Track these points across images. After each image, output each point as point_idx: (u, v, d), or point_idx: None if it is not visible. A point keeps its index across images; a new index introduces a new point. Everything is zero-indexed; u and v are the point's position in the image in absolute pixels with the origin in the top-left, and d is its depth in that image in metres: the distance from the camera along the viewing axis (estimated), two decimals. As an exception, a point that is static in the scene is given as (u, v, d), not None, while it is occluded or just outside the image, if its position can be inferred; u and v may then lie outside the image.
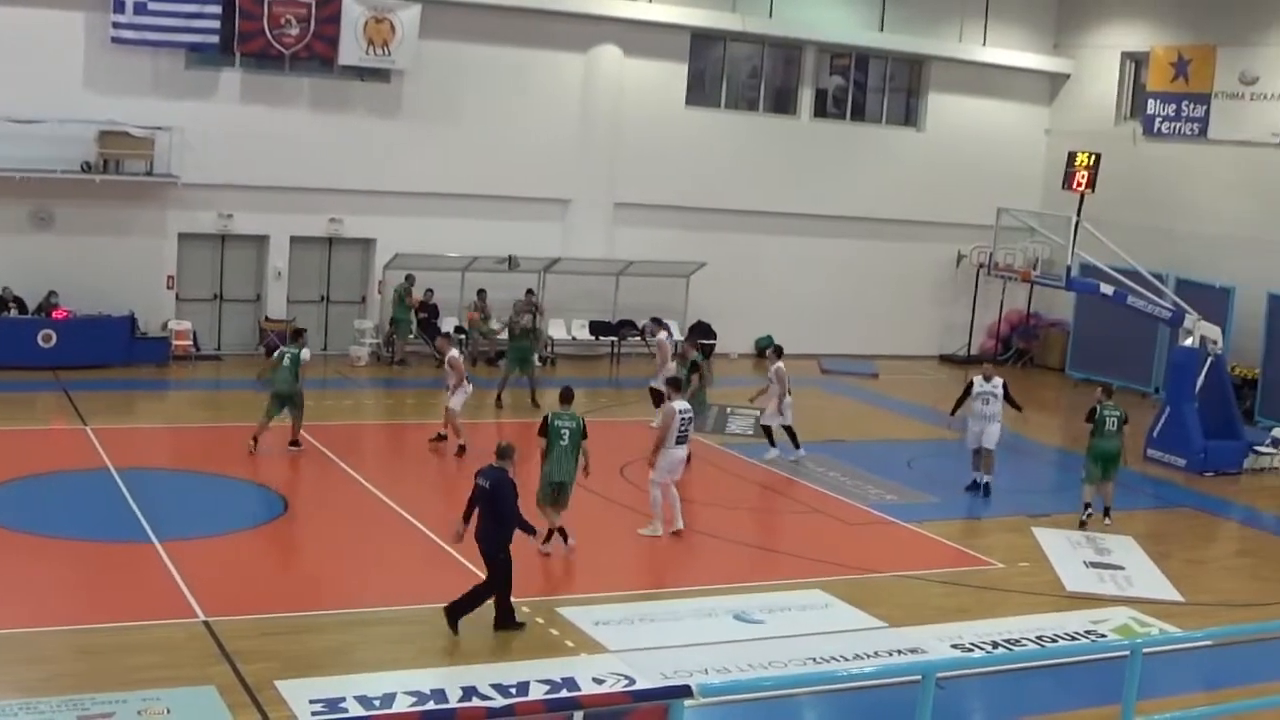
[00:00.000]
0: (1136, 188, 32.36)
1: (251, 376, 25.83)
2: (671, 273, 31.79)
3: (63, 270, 26.60)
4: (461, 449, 21.63)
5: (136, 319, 27.05)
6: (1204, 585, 17.96)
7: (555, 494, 16.94)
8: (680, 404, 18.44)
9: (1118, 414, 20.13)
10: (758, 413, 23.77)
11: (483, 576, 14.37)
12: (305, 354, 21.48)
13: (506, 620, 14.41)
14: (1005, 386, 21.89)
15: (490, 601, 14.30)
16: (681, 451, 18.40)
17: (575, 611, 14.96)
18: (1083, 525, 20.06)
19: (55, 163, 26.10)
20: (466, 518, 14.46)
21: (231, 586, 15.08)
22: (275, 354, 22.10)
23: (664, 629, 14.84)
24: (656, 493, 18.33)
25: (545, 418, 17.12)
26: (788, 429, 22.91)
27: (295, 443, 21.33)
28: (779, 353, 23.23)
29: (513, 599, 14.52)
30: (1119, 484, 22.49)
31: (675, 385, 19.06)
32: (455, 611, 14.17)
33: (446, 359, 22.58)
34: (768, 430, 23.11)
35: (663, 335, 25.23)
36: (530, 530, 14.78)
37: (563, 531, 16.93)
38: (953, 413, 22.50)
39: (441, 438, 22.32)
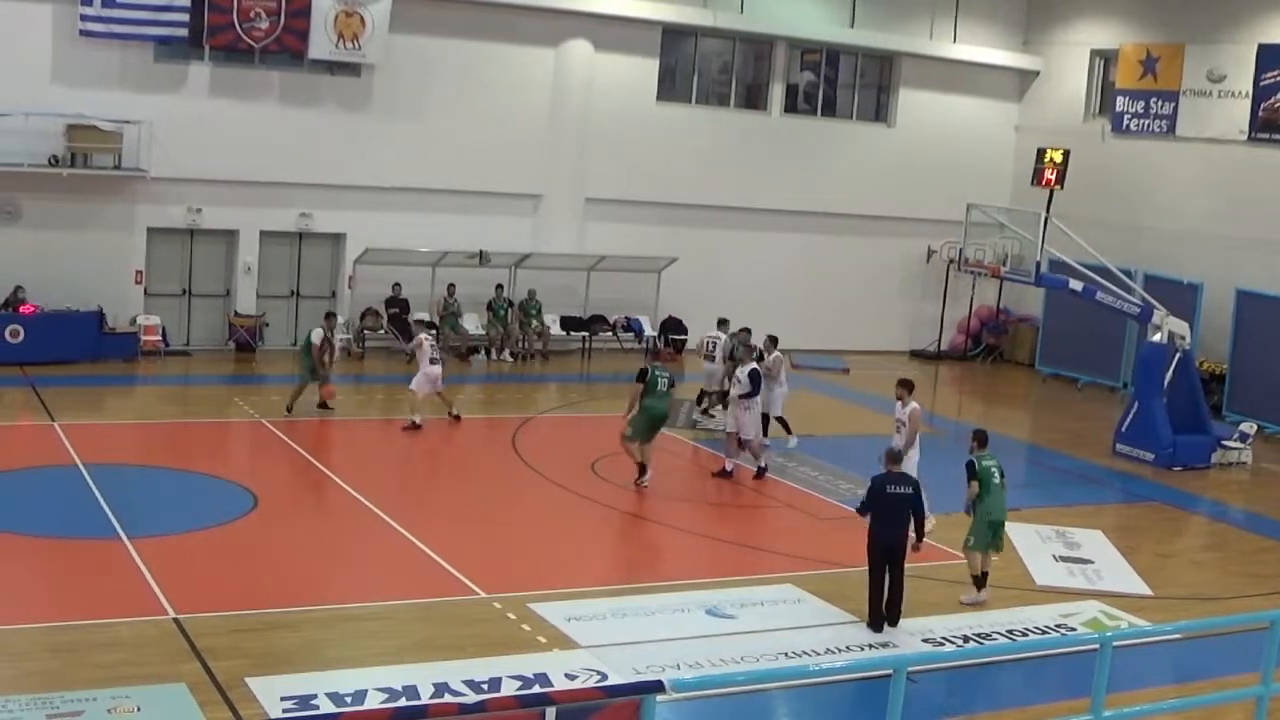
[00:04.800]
0: (1105, 184, 32.53)
1: (221, 372, 25.82)
2: (642, 268, 31.81)
3: (30, 265, 26.41)
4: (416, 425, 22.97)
5: (105, 314, 26.87)
6: (1172, 579, 18.08)
7: (994, 534, 16.44)
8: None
9: (668, 376, 20.53)
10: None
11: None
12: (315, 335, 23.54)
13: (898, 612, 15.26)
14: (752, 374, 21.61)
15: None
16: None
17: (548, 607, 14.94)
18: (639, 481, 20.25)
19: (22, 156, 25.88)
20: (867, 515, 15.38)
21: (202, 583, 15.01)
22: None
23: (636, 624, 14.83)
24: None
25: (970, 461, 16.67)
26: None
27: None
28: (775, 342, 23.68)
29: (486, 595, 14.51)
30: (1089, 480, 22.63)
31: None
32: (894, 612, 15.21)
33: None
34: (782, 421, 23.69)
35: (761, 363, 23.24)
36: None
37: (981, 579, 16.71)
38: None
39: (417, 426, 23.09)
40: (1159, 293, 26.82)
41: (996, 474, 16.45)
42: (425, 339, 23.50)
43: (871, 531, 15.20)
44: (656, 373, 20.33)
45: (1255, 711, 11.67)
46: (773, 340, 23.64)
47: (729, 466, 21.40)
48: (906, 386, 19.30)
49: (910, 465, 18.73)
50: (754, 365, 21.51)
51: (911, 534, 15.38)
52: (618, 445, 20.53)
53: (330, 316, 24.40)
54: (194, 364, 27.90)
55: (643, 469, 20.27)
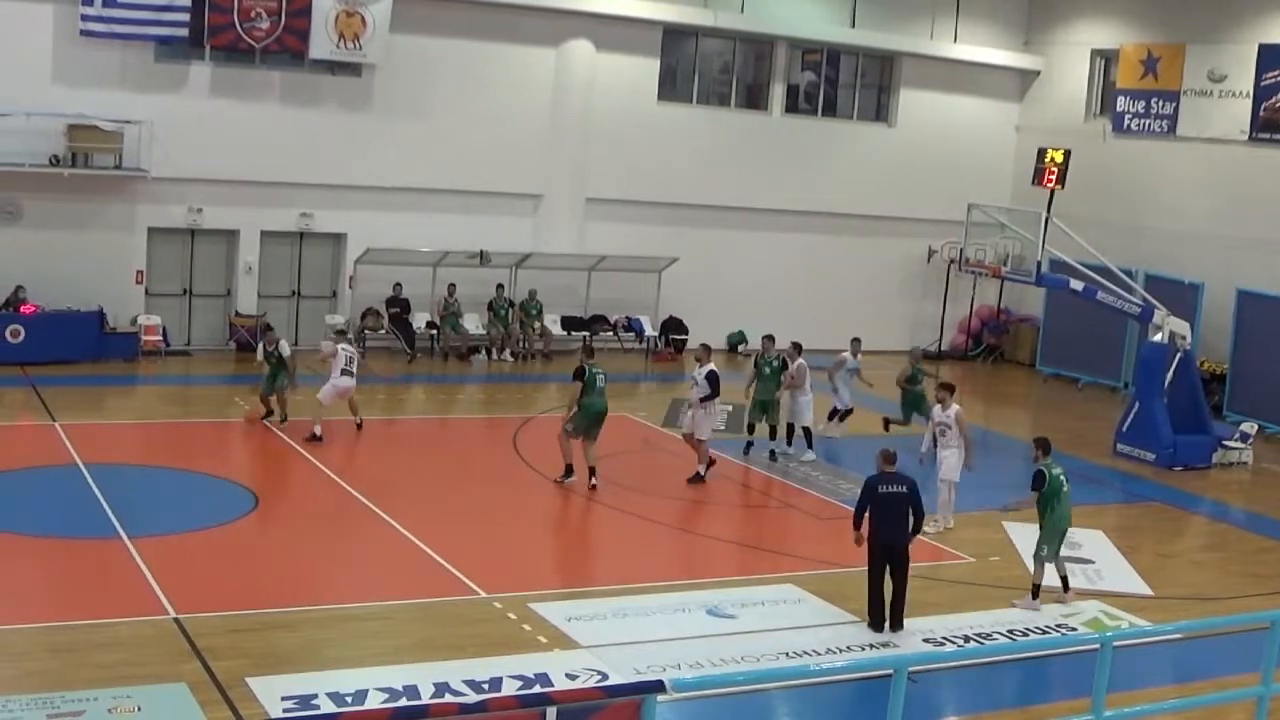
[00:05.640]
0: (1106, 184, 32.50)
1: (221, 372, 25.80)
2: (643, 268, 31.81)
3: (31, 265, 26.41)
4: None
5: (105, 314, 26.87)
6: (1173, 579, 18.07)
7: (1062, 540, 16.45)
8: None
9: (602, 373, 20.48)
10: (729, 408, 23.83)
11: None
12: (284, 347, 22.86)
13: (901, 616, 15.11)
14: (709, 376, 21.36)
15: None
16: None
17: (548, 607, 14.94)
18: (564, 480, 20.10)
19: (23, 156, 25.87)
20: (859, 524, 15.14)
21: (202, 583, 15.01)
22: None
23: (637, 624, 14.83)
24: (947, 492, 19.14)
25: (1039, 471, 16.36)
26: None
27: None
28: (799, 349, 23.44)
29: (487, 595, 14.53)
30: (1090, 480, 22.60)
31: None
32: (897, 616, 15.03)
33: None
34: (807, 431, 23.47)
35: (801, 360, 23.34)
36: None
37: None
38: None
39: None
40: (1160, 293, 26.81)
41: (1065, 481, 16.35)
42: (341, 349, 22.64)
43: (871, 531, 15.15)
44: (593, 371, 20.38)
45: (1256, 711, 11.66)
46: (796, 347, 23.47)
47: (701, 470, 21.25)
48: (949, 389, 19.43)
49: (954, 467, 18.83)
50: (711, 367, 21.42)
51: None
52: (617, 446, 20.55)
53: (268, 329, 23.99)
54: (195, 364, 27.91)
55: (569, 470, 20.19)
